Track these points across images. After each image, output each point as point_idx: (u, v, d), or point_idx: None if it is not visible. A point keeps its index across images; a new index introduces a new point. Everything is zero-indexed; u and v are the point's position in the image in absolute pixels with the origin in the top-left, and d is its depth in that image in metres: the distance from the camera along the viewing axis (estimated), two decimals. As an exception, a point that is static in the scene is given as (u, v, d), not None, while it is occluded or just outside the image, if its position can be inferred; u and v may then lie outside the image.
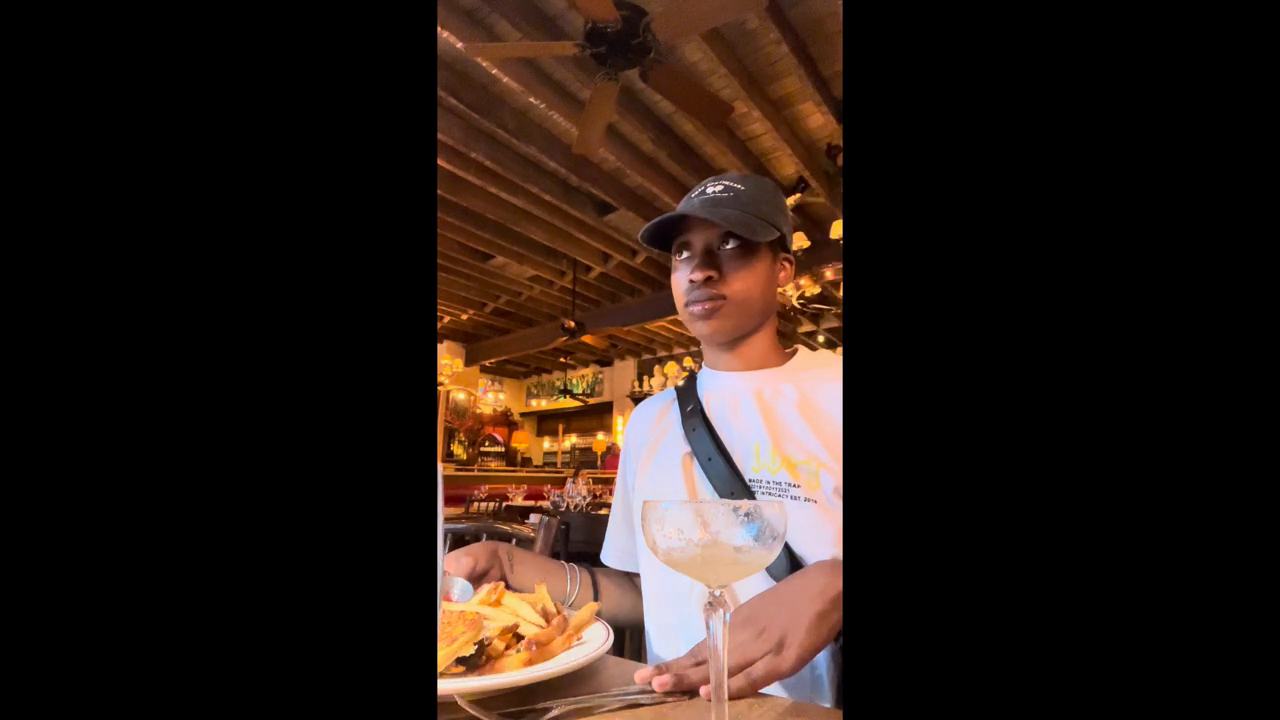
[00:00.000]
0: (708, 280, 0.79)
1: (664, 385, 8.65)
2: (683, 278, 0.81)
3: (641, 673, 0.52)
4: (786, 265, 0.86)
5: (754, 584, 0.69)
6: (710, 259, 0.79)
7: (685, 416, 0.86)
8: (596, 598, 0.85)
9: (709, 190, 0.82)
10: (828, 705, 0.66)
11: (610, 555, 0.94)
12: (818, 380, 0.81)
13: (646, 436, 0.92)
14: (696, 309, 0.80)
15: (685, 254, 0.82)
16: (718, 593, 0.42)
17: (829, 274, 5.02)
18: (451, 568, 0.75)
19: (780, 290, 0.87)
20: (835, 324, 7.03)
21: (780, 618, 0.54)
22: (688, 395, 0.89)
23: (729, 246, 0.79)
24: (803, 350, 0.88)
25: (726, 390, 0.86)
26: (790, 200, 4.30)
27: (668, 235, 0.83)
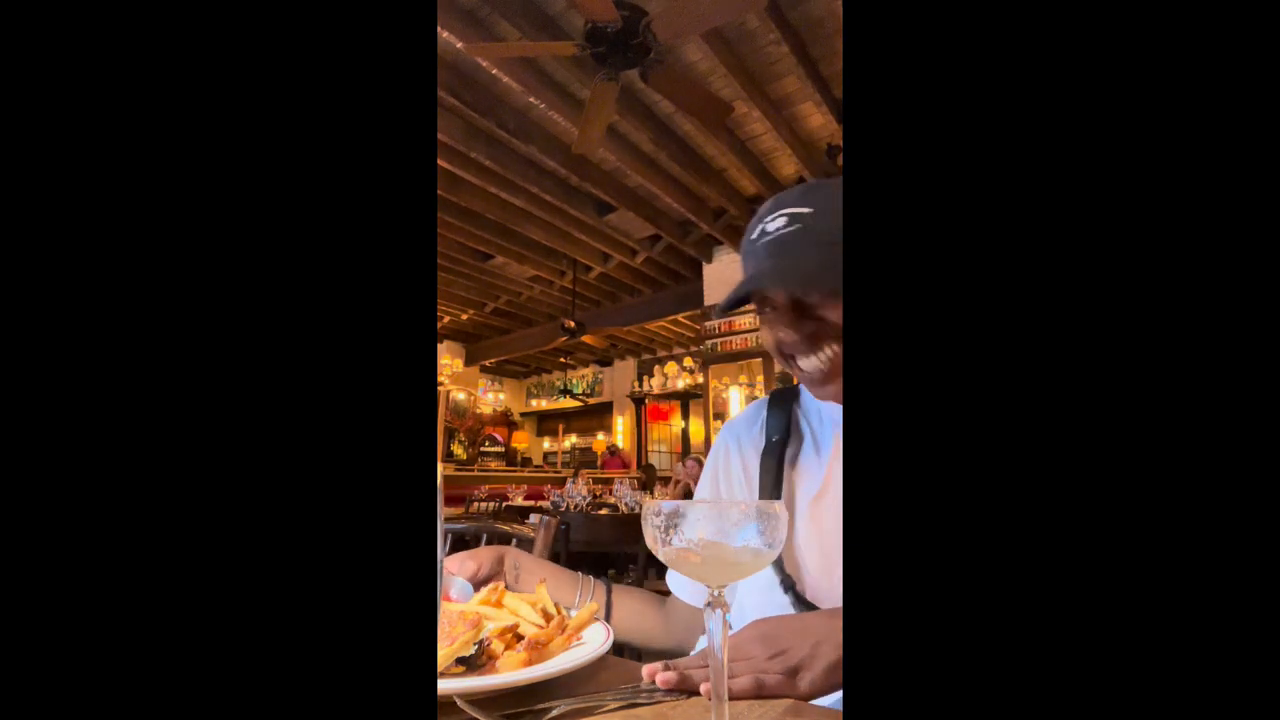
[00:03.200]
0: (811, 337, 0.64)
1: (664, 385, 8.65)
2: (773, 336, 0.67)
3: (648, 667, 0.51)
4: None
5: (752, 582, 0.68)
6: (804, 311, 0.64)
7: (766, 449, 0.75)
8: (609, 615, 0.77)
9: (770, 228, 0.66)
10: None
11: (683, 587, 0.80)
12: None
13: (750, 460, 0.79)
14: (810, 371, 0.65)
15: (768, 310, 0.68)
16: (717, 593, 0.42)
17: (829, 274, 5.00)
18: (454, 570, 0.73)
19: None
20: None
21: (801, 648, 0.53)
22: (778, 420, 0.77)
23: (821, 289, 0.63)
24: None
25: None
26: (790, 200, 4.29)
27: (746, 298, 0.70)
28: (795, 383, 0.77)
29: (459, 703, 0.44)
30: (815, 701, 0.52)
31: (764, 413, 0.80)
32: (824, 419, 0.75)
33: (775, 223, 0.66)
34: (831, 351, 0.64)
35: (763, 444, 0.77)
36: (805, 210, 0.65)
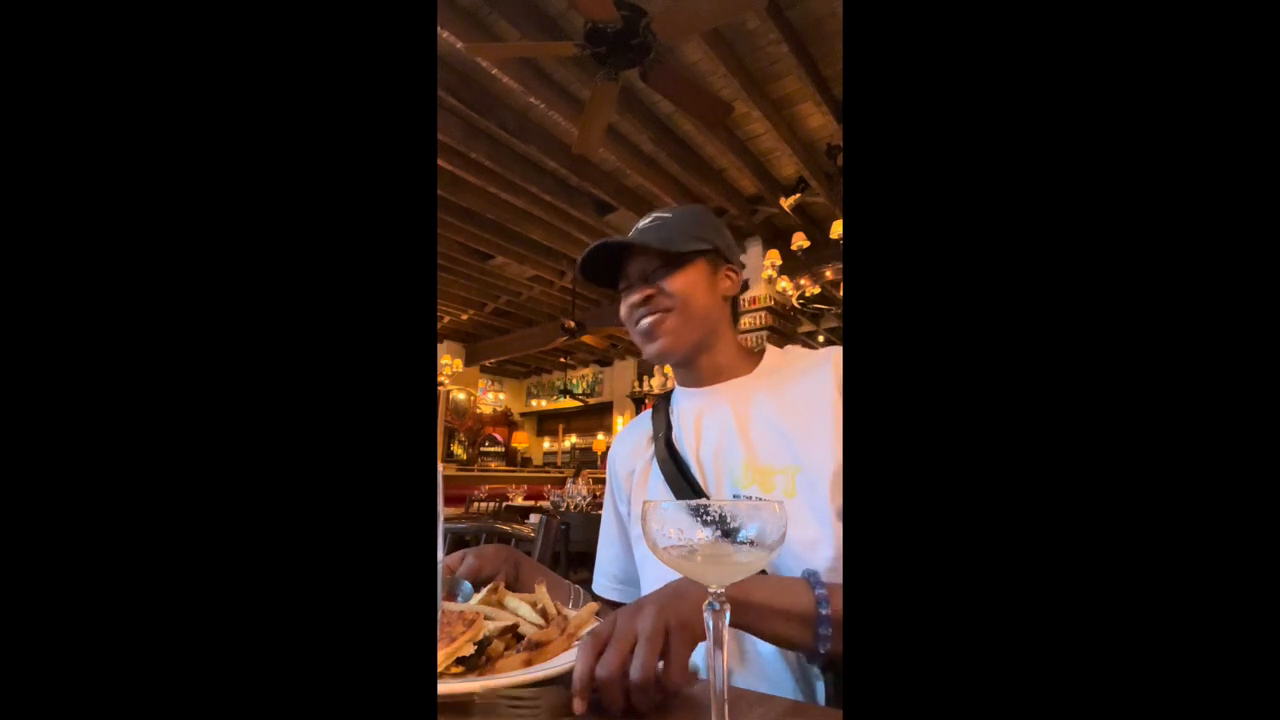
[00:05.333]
0: (646, 300, 0.81)
1: (664, 385, 8.65)
2: (625, 306, 0.85)
3: (576, 704, 0.47)
4: (731, 275, 0.87)
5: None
6: (646, 280, 0.82)
7: (656, 442, 0.86)
8: None
9: (640, 224, 0.86)
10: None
11: (603, 584, 0.91)
12: (789, 379, 0.81)
13: (631, 464, 0.90)
14: (643, 325, 0.82)
15: (624, 285, 0.85)
16: (718, 591, 0.42)
17: (829, 274, 5.02)
18: (457, 567, 0.73)
19: (730, 296, 0.87)
20: (835, 324, 7.03)
21: (648, 595, 0.54)
22: (660, 420, 0.89)
23: (663, 267, 0.82)
24: (770, 350, 0.87)
25: (699, 407, 0.85)
26: (790, 200, 4.30)
27: (610, 274, 0.87)
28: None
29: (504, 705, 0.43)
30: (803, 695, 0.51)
31: (648, 421, 0.92)
32: (685, 413, 0.86)
33: (644, 221, 0.86)
34: (660, 313, 0.81)
35: (647, 448, 0.88)
36: (666, 215, 0.85)
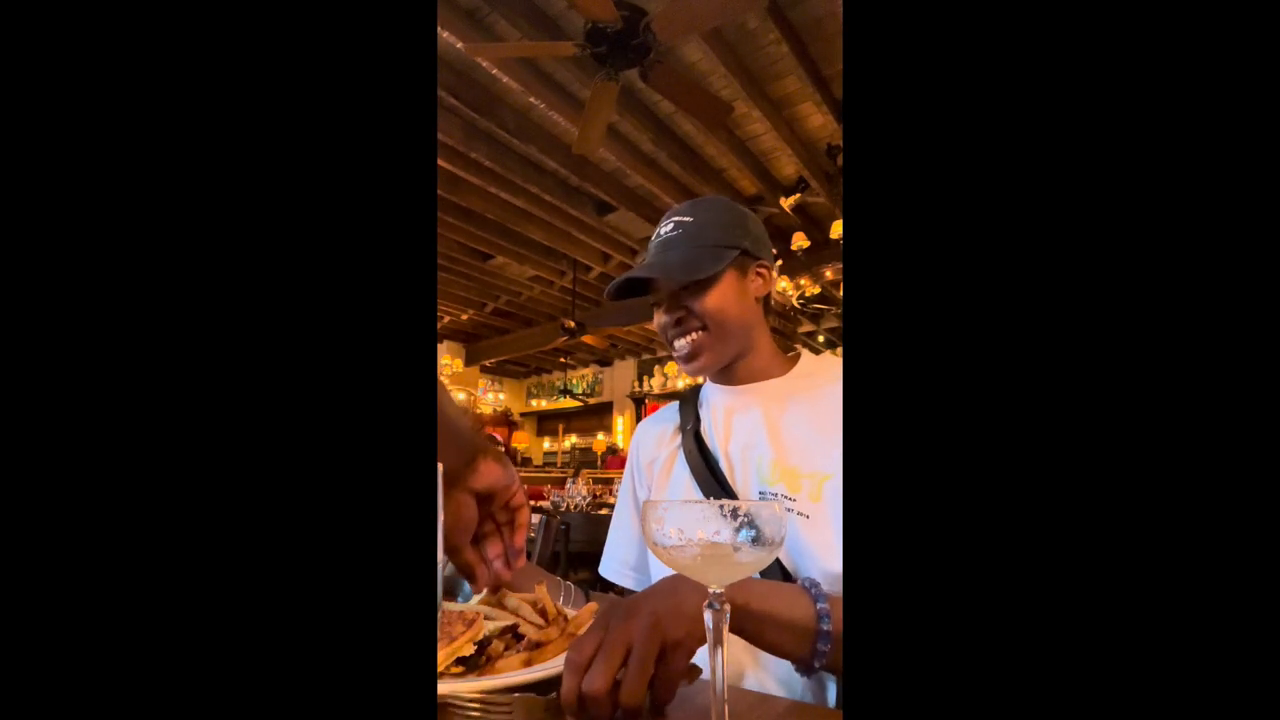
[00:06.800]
0: (679, 322, 0.81)
1: (664, 385, 8.66)
2: (658, 323, 0.85)
3: None
4: (763, 272, 0.84)
5: None
6: (676, 300, 0.81)
7: (684, 435, 0.87)
8: None
9: (662, 231, 0.84)
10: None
11: (611, 569, 0.92)
12: (823, 385, 0.81)
13: (655, 453, 0.91)
14: (679, 349, 0.82)
15: (654, 300, 0.85)
16: (717, 591, 0.42)
17: (829, 274, 5.02)
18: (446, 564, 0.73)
19: (762, 296, 0.85)
20: (835, 324, 7.03)
21: (643, 596, 0.52)
22: (688, 413, 0.89)
23: (691, 285, 0.80)
24: (805, 355, 0.88)
25: (731, 405, 0.86)
26: (790, 200, 4.30)
27: (639, 288, 0.85)
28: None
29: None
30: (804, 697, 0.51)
31: (675, 412, 0.93)
32: (715, 408, 0.87)
33: (665, 227, 0.83)
34: (695, 334, 0.80)
35: (675, 438, 0.89)
36: (688, 219, 0.82)
